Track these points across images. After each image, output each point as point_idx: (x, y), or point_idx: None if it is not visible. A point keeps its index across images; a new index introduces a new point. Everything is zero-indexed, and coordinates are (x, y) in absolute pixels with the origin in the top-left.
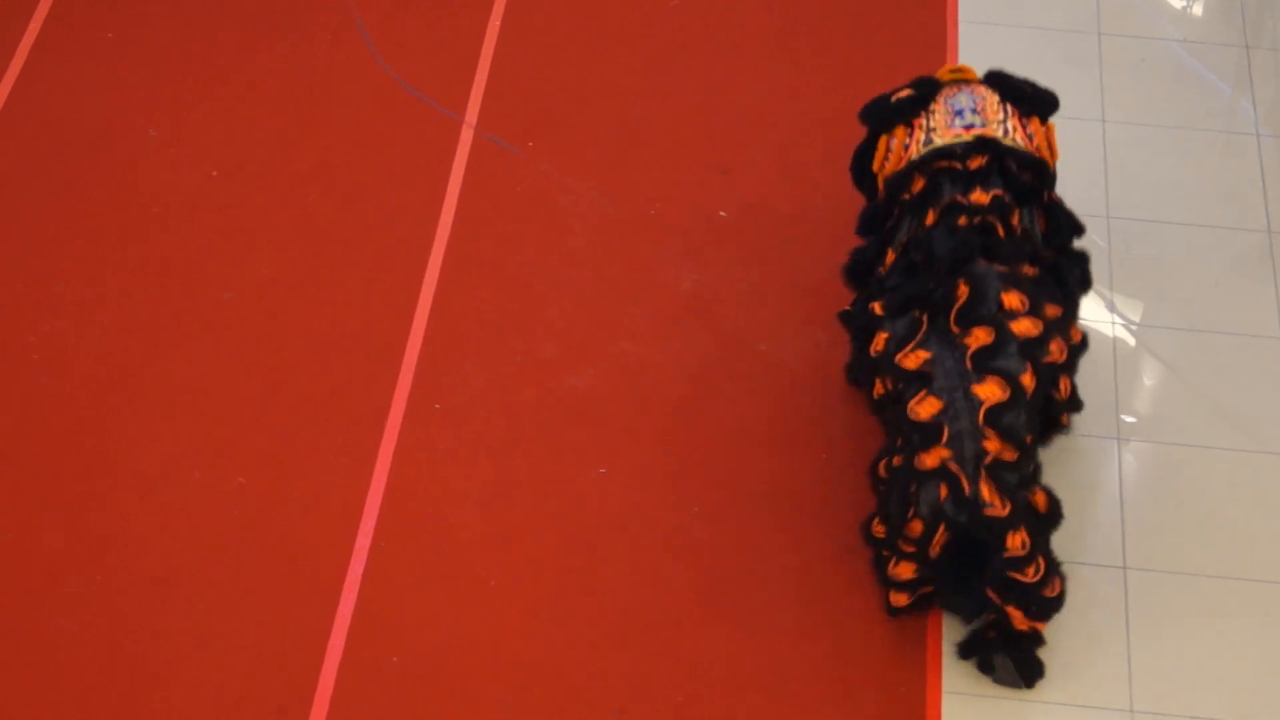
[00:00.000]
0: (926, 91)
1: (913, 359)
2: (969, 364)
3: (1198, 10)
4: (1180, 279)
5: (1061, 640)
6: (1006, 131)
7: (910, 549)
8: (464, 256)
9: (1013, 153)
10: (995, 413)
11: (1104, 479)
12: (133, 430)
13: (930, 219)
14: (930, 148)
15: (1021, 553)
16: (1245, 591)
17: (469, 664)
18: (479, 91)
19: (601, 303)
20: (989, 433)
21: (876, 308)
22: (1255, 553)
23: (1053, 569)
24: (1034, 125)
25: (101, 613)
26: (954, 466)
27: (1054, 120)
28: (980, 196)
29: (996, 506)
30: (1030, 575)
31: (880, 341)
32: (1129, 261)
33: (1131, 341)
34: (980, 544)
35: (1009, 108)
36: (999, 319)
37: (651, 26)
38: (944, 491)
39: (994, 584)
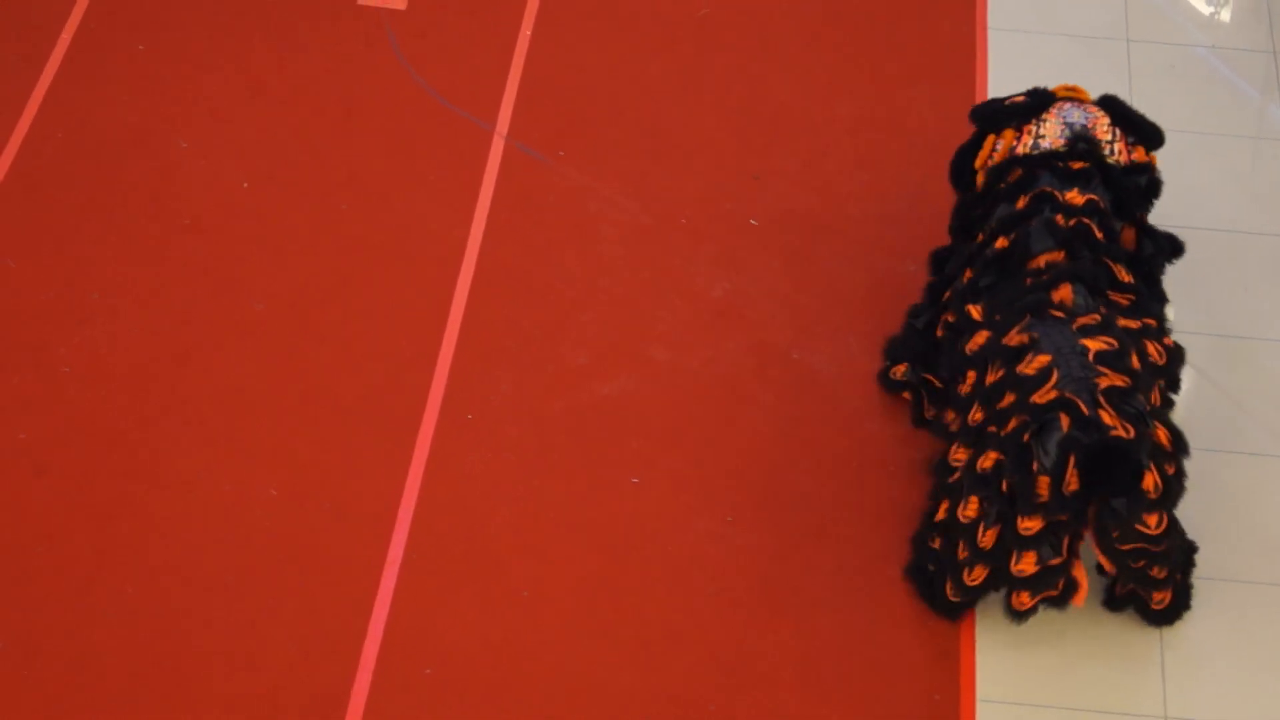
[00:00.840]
0: (1041, 101)
1: (1018, 338)
2: (1075, 330)
3: (1225, 16)
4: (1210, 283)
5: (1095, 646)
6: (1112, 152)
7: (1033, 523)
8: (495, 265)
9: (1113, 167)
10: (1104, 356)
11: None
12: (165, 440)
13: (1021, 203)
14: (1037, 152)
15: (1154, 495)
16: (1278, 596)
17: (502, 674)
18: (510, 100)
19: (633, 310)
20: (1100, 369)
21: (974, 312)
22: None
23: (1174, 526)
24: (1139, 155)
25: (133, 622)
26: (1069, 394)
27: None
28: (1076, 197)
29: (1119, 429)
30: (1154, 525)
31: (981, 338)
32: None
33: None
34: (1114, 459)
35: (1118, 131)
36: (1104, 309)
37: (681, 35)
38: (1066, 421)
39: (1137, 485)
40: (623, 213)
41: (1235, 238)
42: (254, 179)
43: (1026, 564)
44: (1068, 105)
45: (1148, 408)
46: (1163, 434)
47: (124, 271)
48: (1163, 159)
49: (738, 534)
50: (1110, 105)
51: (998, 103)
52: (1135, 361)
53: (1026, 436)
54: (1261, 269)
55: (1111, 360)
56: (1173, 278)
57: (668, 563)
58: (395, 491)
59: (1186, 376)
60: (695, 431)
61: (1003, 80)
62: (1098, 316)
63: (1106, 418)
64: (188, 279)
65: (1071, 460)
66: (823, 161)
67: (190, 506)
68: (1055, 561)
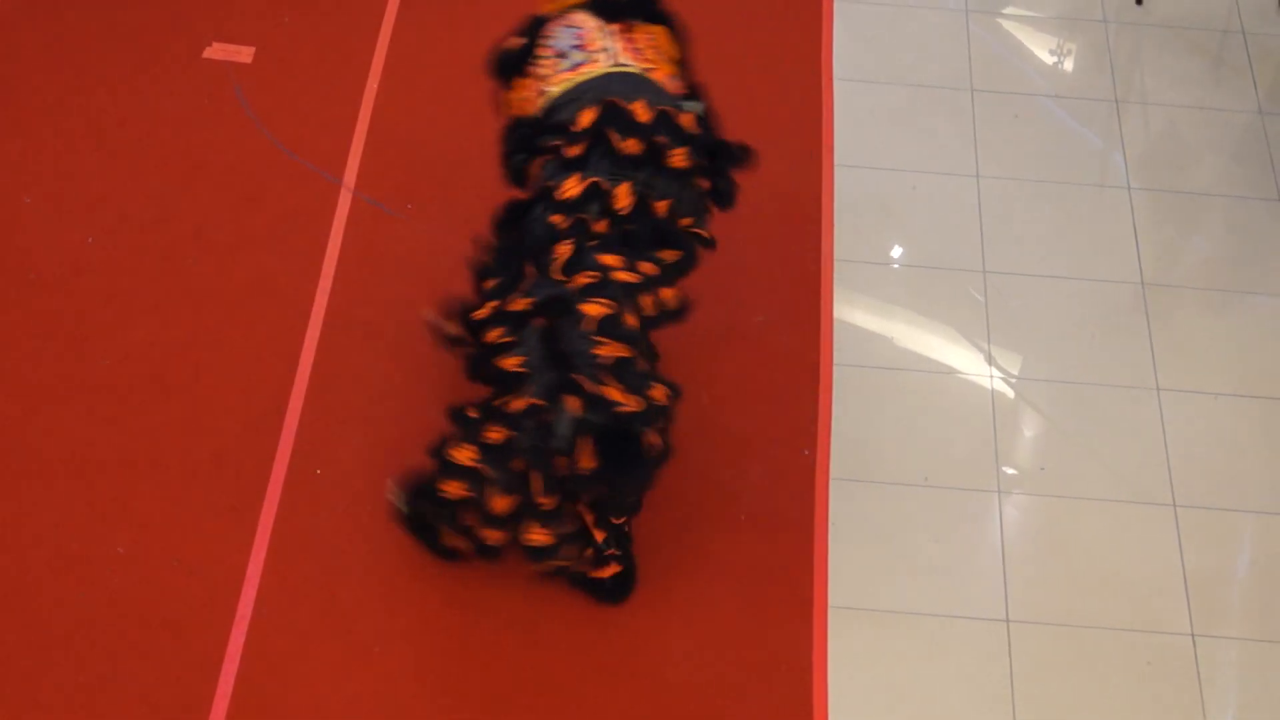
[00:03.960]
0: (533, 31)
1: (522, 303)
2: (575, 292)
3: (1069, 66)
4: (1057, 332)
5: (947, 696)
6: (610, 56)
7: (549, 501)
8: (345, 319)
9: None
10: (606, 324)
11: (985, 532)
12: (8, 499)
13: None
14: (548, 100)
15: (658, 456)
16: (1127, 642)
17: None
18: (357, 153)
19: None
20: (601, 340)
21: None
22: (1136, 603)
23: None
24: (641, 38)
25: None
26: (575, 374)
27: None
28: (573, 188)
29: (630, 404)
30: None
31: (487, 309)
32: (1006, 315)
33: (1010, 394)
34: (621, 442)
35: (613, 28)
36: (598, 267)
37: None
38: (575, 402)
39: (652, 472)
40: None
41: (1081, 285)
42: (99, 233)
43: (539, 536)
44: (556, 26)
45: (647, 366)
46: (661, 392)
47: None
48: (1008, 208)
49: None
50: (593, 4)
51: (498, 51)
52: (632, 320)
53: (542, 416)
54: (1107, 316)
55: (610, 327)
56: (1020, 326)
57: (518, 617)
58: (244, 548)
59: (1035, 423)
60: None
61: (849, 130)
62: (596, 275)
63: (614, 393)
64: (31, 335)
65: (585, 440)
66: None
67: (35, 565)
68: (570, 530)
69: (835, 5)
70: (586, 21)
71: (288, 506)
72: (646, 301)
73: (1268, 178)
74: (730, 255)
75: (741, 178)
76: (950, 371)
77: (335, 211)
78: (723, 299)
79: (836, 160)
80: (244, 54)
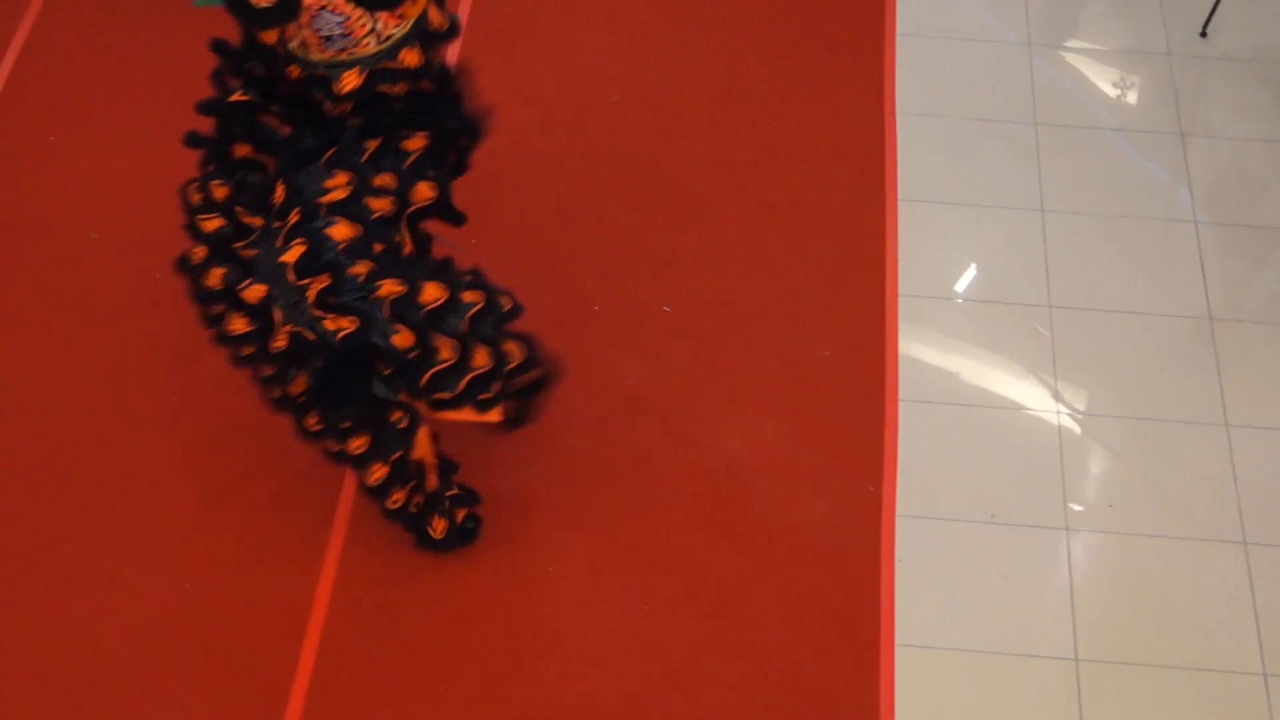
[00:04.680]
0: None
1: (252, 294)
2: (277, 245)
3: (1132, 99)
4: (1124, 367)
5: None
6: (379, 36)
7: (360, 441)
8: None
9: (385, 73)
10: (299, 265)
11: (1053, 569)
12: (75, 537)
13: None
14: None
15: (411, 346)
16: (1196, 681)
17: None
18: None
19: (548, 398)
20: (301, 283)
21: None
22: (1205, 641)
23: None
24: (406, 9)
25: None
26: (293, 328)
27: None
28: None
29: (344, 326)
30: (452, 353)
31: (216, 277)
32: (1072, 350)
33: (1077, 430)
34: (354, 363)
35: (373, 13)
36: (309, 201)
37: (590, 118)
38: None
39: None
40: (535, 301)
41: (1148, 320)
42: (165, 268)
43: (357, 445)
44: (316, 10)
45: (364, 269)
46: (388, 287)
47: (35, 364)
48: (1074, 242)
49: (654, 622)
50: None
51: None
52: (339, 233)
53: (295, 389)
54: (1174, 350)
55: (307, 262)
56: (1087, 361)
57: (583, 654)
58: (310, 585)
59: (1103, 459)
60: (610, 519)
61: (911, 164)
62: (299, 211)
63: (329, 324)
64: (101, 371)
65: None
66: (733, 247)
67: (103, 602)
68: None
69: (898, 39)
70: (351, 11)
71: (353, 541)
72: (382, 204)
73: None
74: (795, 289)
75: (806, 210)
76: (1017, 407)
77: None
78: (788, 333)
79: (900, 194)
80: None
